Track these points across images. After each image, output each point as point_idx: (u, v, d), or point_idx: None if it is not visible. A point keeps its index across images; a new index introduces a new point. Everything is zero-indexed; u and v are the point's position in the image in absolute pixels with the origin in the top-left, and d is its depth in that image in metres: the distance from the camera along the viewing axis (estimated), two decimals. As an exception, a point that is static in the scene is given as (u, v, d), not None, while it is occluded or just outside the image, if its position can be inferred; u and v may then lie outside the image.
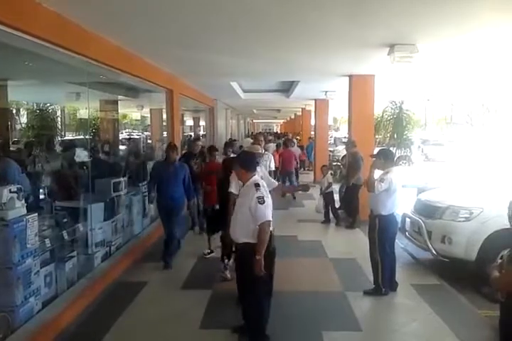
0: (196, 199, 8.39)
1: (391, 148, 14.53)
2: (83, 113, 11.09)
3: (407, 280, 6.37)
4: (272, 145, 14.55)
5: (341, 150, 19.25)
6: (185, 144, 13.81)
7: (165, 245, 7.02)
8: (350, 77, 10.44)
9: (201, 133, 21.77)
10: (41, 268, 4.85)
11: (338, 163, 16.93)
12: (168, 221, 7.06)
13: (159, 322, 5.12)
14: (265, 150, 8.73)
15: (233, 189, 5.94)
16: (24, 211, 4.55)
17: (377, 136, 17.34)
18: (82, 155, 8.90)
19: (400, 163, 19.11)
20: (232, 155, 8.95)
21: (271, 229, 4.39)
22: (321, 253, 7.86)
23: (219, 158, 7.98)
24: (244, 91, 15.79)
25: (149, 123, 17.03)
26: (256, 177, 4.49)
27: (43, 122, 13.34)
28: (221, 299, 5.75)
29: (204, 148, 9.71)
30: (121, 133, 18.13)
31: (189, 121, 23.63)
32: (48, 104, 13.78)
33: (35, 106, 14.02)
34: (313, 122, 20.58)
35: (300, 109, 24.05)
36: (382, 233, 5.83)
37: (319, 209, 10.54)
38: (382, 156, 5.96)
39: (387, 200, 5.74)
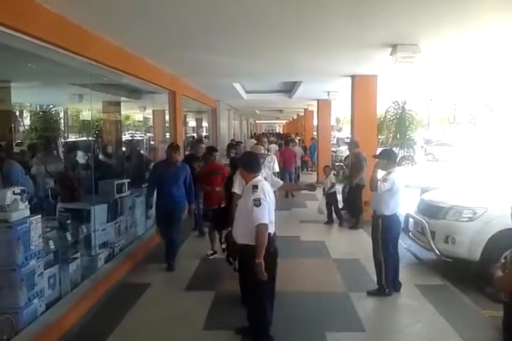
0: (197, 202, 8.29)
1: (394, 149, 14.53)
2: (86, 114, 11.12)
3: (411, 281, 6.36)
4: (274, 146, 14.58)
5: (344, 151, 19.24)
6: (188, 145, 13.84)
7: (167, 247, 7.00)
8: (353, 77, 10.44)
9: (204, 134, 21.77)
10: (45, 269, 4.87)
11: (341, 164, 16.92)
12: (168, 225, 6.92)
13: (163, 323, 5.12)
14: (267, 150, 8.71)
15: (236, 189, 5.95)
16: (28, 213, 4.55)
17: (380, 136, 17.31)
18: (85, 156, 8.93)
19: (403, 163, 19.09)
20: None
21: (271, 231, 4.36)
22: (324, 254, 7.85)
23: (220, 159, 7.96)
24: (247, 92, 15.81)
25: (152, 124, 17.04)
26: (258, 179, 4.45)
27: (46, 124, 13.37)
28: (224, 300, 5.74)
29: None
30: (124, 134, 18.12)
31: (192, 122, 23.62)
32: (51, 106, 13.81)
33: (38, 108, 14.06)
34: (315, 122, 20.58)
35: (303, 110, 24.04)
36: (385, 233, 5.82)
37: (321, 210, 10.53)
38: (385, 156, 5.95)
39: (390, 200, 5.73)
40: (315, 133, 21.18)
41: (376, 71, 9.72)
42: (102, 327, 5.02)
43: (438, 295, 5.90)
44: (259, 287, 4.31)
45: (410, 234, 7.57)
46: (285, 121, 46.48)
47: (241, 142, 12.24)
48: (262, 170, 5.03)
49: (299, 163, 17.65)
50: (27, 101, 13.81)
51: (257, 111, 28.91)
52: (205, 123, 21.86)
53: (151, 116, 16.41)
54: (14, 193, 4.42)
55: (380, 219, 5.83)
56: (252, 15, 5.22)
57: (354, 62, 8.63)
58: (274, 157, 8.07)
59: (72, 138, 16.35)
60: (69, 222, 5.86)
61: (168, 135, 10.97)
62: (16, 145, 11.27)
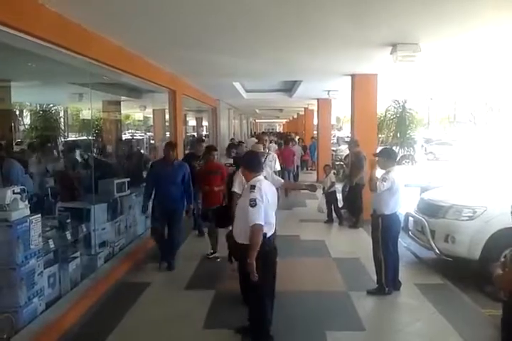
0: (196, 201, 8.19)
1: (394, 148, 14.53)
2: (86, 114, 11.12)
3: (411, 280, 6.36)
4: (274, 145, 14.58)
5: (344, 150, 19.24)
6: (189, 144, 13.84)
7: (161, 247, 6.97)
8: (353, 76, 10.43)
9: (204, 133, 21.77)
10: (45, 268, 4.87)
11: (341, 163, 16.93)
12: (168, 225, 6.87)
13: (163, 322, 5.12)
14: (268, 149, 8.68)
15: (236, 188, 5.96)
16: (27, 212, 4.55)
17: (380, 135, 17.33)
18: (85, 155, 8.93)
19: (403, 162, 19.10)
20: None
21: (269, 231, 4.34)
22: (324, 253, 7.85)
23: (220, 159, 7.93)
24: (247, 91, 15.80)
25: (152, 123, 17.06)
26: (258, 178, 4.42)
27: (46, 123, 13.38)
28: (224, 299, 5.74)
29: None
30: (124, 133, 18.14)
31: (192, 122, 23.63)
32: (51, 105, 13.82)
33: (38, 107, 14.07)
34: (316, 122, 20.58)
35: (303, 109, 24.03)
36: (385, 232, 5.82)
37: (321, 209, 10.53)
38: (385, 155, 5.96)
39: (390, 200, 5.73)
40: (315, 132, 21.17)
41: (376, 70, 9.71)
42: (101, 326, 5.02)
43: (438, 294, 5.90)
44: (259, 286, 4.31)
45: (410, 233, 7.57)
46: (285, 120, 46.47)
47: (243, 142, 12.20)
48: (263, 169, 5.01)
49: (298, 162, 17.67)
50: (27, 100, 13.84)
51: (257, 110, 28.92)
52: (205, 123, 21.87)
53: (151, 116, 16.44)
54: (14, 192, 4.43)
55: (380, 218, 5.82)
56: (251, 16, 5.23)
57: (354, 61, 8.63)
58: (276, 156, 7.97)
59: (72, 137, 16.37)
60: (69, 221, 5.86)
61: (168, 134, 10.96)
62: (16, 144, 11.29)
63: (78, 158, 8.93)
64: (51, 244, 5.11)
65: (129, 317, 5.27)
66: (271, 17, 5.29)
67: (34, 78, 8.97)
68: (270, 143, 13.52)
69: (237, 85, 13.58)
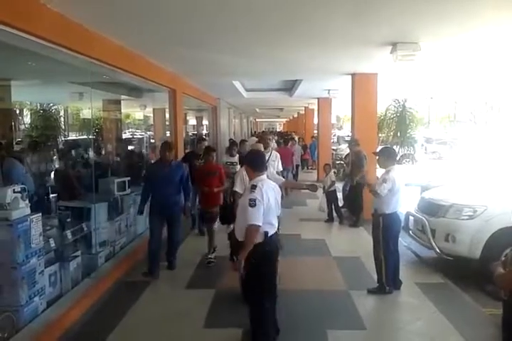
0: (194, 202, 8.15)
1: (394, 147, 14.54)
2: (86, 113, 11.13)
3: (411, 279, 6.36)
4: (273, 145, 14.54)
5: (344, 149, 19.25)
6: (189, 144, 13.84)
7: (168, 246, 6.95)
8: (353, 75, 10.43)
9: (204, 132, 21.76)
10: (45, 267, 4.88)
11: (342, 162, 16.94)
12: (168, 226, 6.79)
13: (163, 321, 5.13)
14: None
15: (238, 187, 5.97)
16: (28, 211, 4.56)
17: (380, 135, 17.37)
18: (85, 154, 8.94)
19: (404, 161, 19.12)
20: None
21: (271, 230, 4.34)
22: (325, 252, 7.86)
23: (222, 157, 7.89)
24: (247, 90, 15.79)
25: (152, 122, 17.05)
26: (261, 178, 4.38)
27: (47, 122, 13.40)
28: (225, 298, 5.75)
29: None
30: (125, 132, 18.15)
31: (192, 121, 23.63)
32: (52, 104, 13.84)
33: (38, 107, 14.08)
34: (316, 121, 20.57)
35: (303, 108, 24.02)
36: (385, 231, 5.82)
37: (322, 208, 10.53)
38: (385, 154, 5.96)
39: (391, 199, 5.73)
40: (315, 131, 21.17)
41: (376, 69, 9.71)
42: (102, 325, 5.03)
43: (438, 294, 5.91)
44: (259, 286, 4.30)
45: (410, 232, 7.58)
46: (285, 120, 46.46)
47: (246, 140, 12.17)
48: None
49: (298, 162, 17.68)
50: (27, 99, 13.84)
51: (258, 110, 28.89)
52: (205, 122, 21.86)
53: (152, 115, 16.43)
54: (14, 191, 4.43)
55: (380, 217, 5.83)
56: (252, 15, 5.23)
57: (354, 61, 8.62)
58: (278, 155, 7.86)
59: (73, 136, 16.38)
60: (69, 220, 5.87)
61: (168, 133, 10.96)
62: (17, 143, 11.29)
63: (78, 157, 8.95)
64: (52, 242, 5.12)
65: (129, 315, 5.28)
66: (271, 17, 5.30)
67: (34, 77, 8.97)
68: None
69: (238, 84, 13.57)
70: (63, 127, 15.98)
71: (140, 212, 6.95)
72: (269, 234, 4.27)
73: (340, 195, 11.00)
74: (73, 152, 9.54)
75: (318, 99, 17.52)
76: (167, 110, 10.88)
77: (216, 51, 7.51)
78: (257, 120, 50.13)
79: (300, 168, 19.08)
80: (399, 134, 18.30)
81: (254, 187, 4.21)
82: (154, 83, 8.96)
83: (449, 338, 4.76)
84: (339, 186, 11.44)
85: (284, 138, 18.13)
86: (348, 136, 19.61)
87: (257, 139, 9.87)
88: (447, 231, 6.59)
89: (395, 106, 18.48)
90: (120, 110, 11.88)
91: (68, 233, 5.58)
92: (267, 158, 6.76)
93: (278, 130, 52.33)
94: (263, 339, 4.37)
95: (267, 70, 10.32)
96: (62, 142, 13.99)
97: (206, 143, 9.08)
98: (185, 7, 4.88)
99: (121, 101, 11.63)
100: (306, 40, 6.73)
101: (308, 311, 5.35)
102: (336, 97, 14.98)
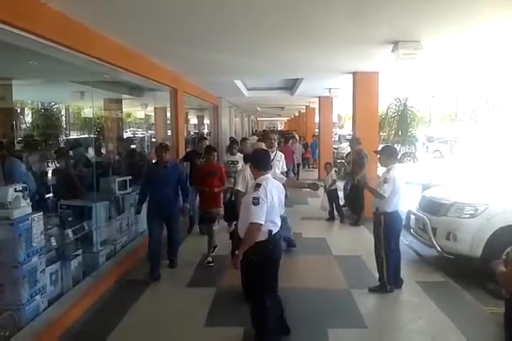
0: (194, 201, 8.10)
1: (395, 145, 14.52)
2: (87, 112, 11.13)
3: (412, 278, 6.36)
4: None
5: (346, 148, 19.24)
6: (190, 143, 13.84)
7: (169, 246, 6.93)
8: (354, 74, 10.42)
9: (205, 131, 21.77)
10: (47, 266, 4.88)
11: (343, 161, 16.92)
12: (167, 227, 6.75)
13: (164, 319, 5.14)
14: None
15: (239, 186, 5.97)
16: (29, 210, 4.57)
17: (381, 133, 17.35)
18: (86, 154, 8.95)
19: (405, 160, 19.10)
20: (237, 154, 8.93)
21: (274, 229, 4.33)
22: (326, 251, 7.85)
23: (222, 156, 7.85)
24: (248, 89, 15.78)
25: (153, 121, 17.05)
26: (266, 177, 4.38)
27: (48, 121, 13.41)
28: (225, 296, 5.76)
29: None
30: (126, 132, 18.17)
31: (193, 120, 23.64)
32: (53, 103, 13.85)
33: (39, 106, 14.09)
34: (317, 120, 20.56)
35: (304, 107, 24.00)
36: (387, 230, 5.82)
37: (325, 207, 10.52)
38: (386, 153, 5.97)
39: (392, 197, 5.73)
40: (316, 130, 21.17)
41: (378, 68, 9.70)
42: (103, 324, 5.04)
43: (440, 292, 5.91)
44: (261, 284, 4.31)
45: (412, 230, 7.57)
46: (287, 119, 46.40)
47: (247, 138, 12.15)
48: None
49: (299, 160, 17.67)
50: (28, 98, 13.85)
51: (259, 109, 28.87)
52: (206, 121, 21.86)
53: (153, 114, 16.43)
54: (16, 190, 4.44)
55: (382, 215, 5.83)
56: (253, 14, 5.22)
57: (355, 59, 8.61)
58: (283, 155, 7.68)
59: (74, 135, 16.40)
60: (70, 218, 5.88)
61: (169, 132, 10.96)
62: (18, 142, 11.29)
63: (79, 155, 8.95)
64: (53, 241, 5.13)
65: (130, 314, 5.29)
66: (272, 16, 5.29)
67: (35, 76, 8.98)
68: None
69: (239, 83, 13.56)
70: (64, 126, 15.99)
71: (137, 211, 6.98)
72: (273, 232, 4.28)
73: (341, 194, 10.99)
74: (74, 151, 9.53)
75: (319, 97, 17.51)
76: (168, 109, 10.88)
77: (216, 50, 7.51)
78: (258, 119, 50.10)
79: (301, 166, 19.09)
80: (400, 133, 18.27)
81: (258, 185, 4.23)
82: (155, 82, 8.96)
83: (450, 337, 4.76)
84: (340, 185, 11.42)
85: (285, 137, 18.13)
86: (349, 134, 19.62)
87: (257, 138, 9.86)
88: (448, 230, 6.59)
89: (396, 105, 18.44)
90: (121, 109, 11.88)
91: (69, 232, 5.58)
92: (272, 157, 6.66)
93: (279, 129, 52.25)
94: (266, 337, 4.38)
95: (268, 69, 10.31)
96: (64, 141, 14.01)
97: (207, 142, 9.04)
98: (185, 6, 4.88)
99: (123, 100, 11.64)
100: (306, 40, 6.72)
101: (309, 310, 5.35)
102: (337, 96, 14.98)
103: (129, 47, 6.90)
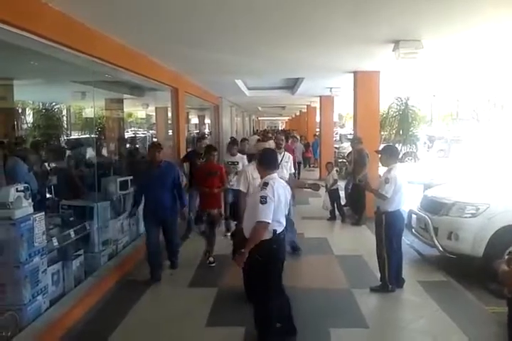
0: (194, 202, 8.03)
1: (397, 145, 14.50)
2: (89, 112, 11.11)
3: (414, 277, 6.36)
4: (272, 142, 14.51)
5: (347, 147, 19.21)
6: (190, 142, 13.82)
7: (168, 249, 6.85)
8: (355, 73, 10.41)
9: (206, 131, 21.76)
10: (48, 266, 4.89)
11: (344, 160, 16.91)
12: (164, 233, 6.60)
13: (166, 320, 5.14)
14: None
15: (241, 186, 5.96)
16: (31, 210, 4.57)
17: (382, 133, 17.30)
18: (87, 154, 8.95)
19: (406, 159, 19.08)
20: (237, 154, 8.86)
21: (279, 228, 4.33)
22: (327, 250, 7.85)
23: (223, 157, 7.78)
24: (249, 88, 15.78)
25: (154, 121, 17.05)
26: (272, 176, 4.38)
27: (49, 121, 13.40)
28: (227, 296, 5.76)
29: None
30: (127, 131, 18.16)
31: (194, 119, 23.64)
32: (54, 104, 13.84)
33: (40, 106, 14.08)
34: (318, 119, 20.55)
35: (305, 106, 24.01)
36: (388, 229, 5.82)
37: (327, 206, 10.51)
38: (387, 152, 5.97)
39: (394, 197, 5.73)
40: (318, 129, 21.15)
41: (378, 67, 9.69)
42: (105, 324, 5.04)
43: (441, 292, 5.90)
44: (265, 284, 4.30)
45: (413, 230, 7.56)
46: (288, 118, 46.40)
47: (246, 139, 12.11)
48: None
49: (299, 159, 17.67)
50: (30, 98, 13.84)
51: (260, 108, 28.87)
52: (207, 120, 21.86)
53: (154, 114, 16.44)
54: (17, 190, 4.44)
55: (383, 215, 5.82)
56: (253, 14, 5.23)
57: (356, 59, 8.61)
58: (291, 157, 7.57)
59: (75, 135, 16.39)
60: (72, 218, 5.88)
61: (170, 132, 10.96)
62: (19, 142, 11.28)
63: (80, 155, 8.95)
64: (55, 241, 5.14)
65: (132, 314, 5.29)
66: (272, 16, 5.30)
67: (37, 76, 8.98)
68: (269, 140, 13.46)
69: (240, 83, 13.56)
70: (66, 126, 15.98)
71: (132, 214, 6.90)
72: (278, 231, 4.28)
73: (342, 194, 10.98)
74: (75, 151, 9.53)
75: (320, 97, 17.50)
76: (169, 109, 10.89)
77: (217, 50, 7.51)
78: (259, 118, 50.12)
79: (302, 166, 19.08)
80: (401, 132, 18.21)
81: (266, 184, 4.24)
82: (156, 82, 8.96)
83: (451, 336, 4.76)
84: (341, 184, 11.42)
85: (285, 135, 18.11)
86: (351, 134, 19.58)
87: (258, 137, 9.83)
88: (450, 229, 6.58)
89: (397, 104, 18.38)
90: (122, 109, 11.87)
91: (71, 232, 5.58)
92: (280, 159, 6.55)
93: (280, 128, 52.26)
94: (269, 339, 4.37)
95: (269, 69, 10.31)
96: (65, 141, 14.01)
97: (207, 142, 8.94)
98: (185, 6, 4.88)
99: (124, 100, 11.63)
100: (306, 40, 6.72)
101: (311, 309, 5.35)
102: (338, 95, 14.98)
103: (130, 47, 6.91)
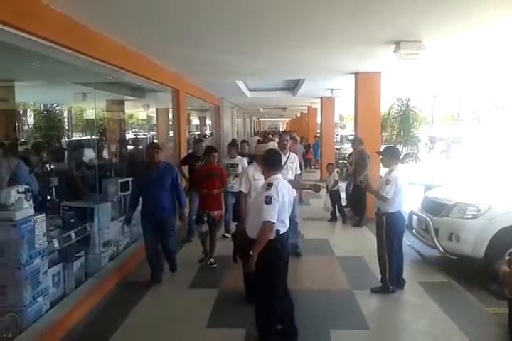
0: (194, 204, 7.98)
1: (398, 146, 14.50)
2: (90, 113, 11.13)
3: (415, 278, 6.35)
4: (273, 143, 14.50)
5: (348, 148, 19.20)
6: (191, 144, 13.81)
7: (166, 253, 6.63)
8: (356, 74, 10.42)
9: (208, 132, 21.77)
10: (49, 268, 4.90)
11: (345, 161, 16.90)
12: (160, 235, 6.36)
13: (166, 321, 5.14)
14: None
15: (243, 187, 5.95)
16: (32, 211, 4.57)
17: (383, 134, 17.30)
18: (89, 155, 8.95)
19: (407, 160, 19.07)
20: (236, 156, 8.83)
21: (282, 229, 4.34)
22: (328, 252, 7.85)
23: (222, 159, 7.73)
24: (250, 89, 15.79)
25: (155, 123, 17.06)
26: (276, 177, 4.38)
27: (50, 123, 13.41)
28: (228, 298, 5.76)
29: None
30: (128, 133, 18.17)
31: (195, 121, 23.65)
32: (55, 105, 13.85)
33: (42, 107, 14.10)
34: (319, 120, 20.55)
35: (306, 107, 24.00)
36: (389, 230, 5.82)
37: (328, 207, 10.50)
38: (388, 153, 5.97)
39: (394, 198, 5.72)
40: (318, 130, 21.15)
41: (380, 68, 9.69)
42: (106, 325, 5.04)
43: (442, 293, 5.90)
44: (268, 284, 4.29)
45: (414, 231, 7.56)
46: (289, 119, 46.39)
47: (246, 141, 12.09)
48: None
49: (300, 159, 17.61)
50: (31, 100, 13.86)
51: (261, 109, 28.89)
52: (208, 121, 21.87)
53: (155, 115, 16.44)
54: (18, 192, 4.45)
55: (384, 216, 5.82)
56: (254, 15, 5.24)
57: (357, 60, 8.61)
58: (297, 157, 7.45)
59: (76, 136, 16.41)
60: (73, 220, 5.88)
61: (171, 133, 10.97)
62: (20, 144, 11.30)
63: (81, 157, 8.95)
64: (55, 243, 5.14)
65: (133, 315, 5.29)
66: (273, 17, 5.31)
67: (38, 78, 8.99)
68: (269, 141, 13.46)
69: (241, 84, 13.57)
70: (67, 128, 15.99)
71: (127, 221, 6.59)
72: (281, 232, 4.28)
73: (343, 195, 10.98)
74: (77, 152, 9.54)
75: (321, 98, 17.51)
76: (170, 110, 10.89)
77: (217, 51, 7.52)
78: (260, 119, 50.14)
79: (303, 167, 19.04)
80: (402, 133, 18.23)
81: (270, 184, 4.25)
82: (157, 83, 8.97)
83: (452, 337, 4.75)
84: (342, 185, 11.41)
85: (290, 136, 18.09)
86: (352, 135, 19.58)
87: (258, 138, 9.82)
88: (451, 231, 6.58)
89: (398, 105, 18.40)
90: (123, 110, 11.89)
91: (72, 233, 5.58)
92: (284, 159, 6.50)
93: (280, 129, 52.28)
94: (270, 339, 4.37)
95: (270, 70, 10.32)
96: (66, 142, 14.01)
97: (204, 144, 8.76)
98: (185, 6, 4.89)
99: (125, 102, 11.64)
100: (307, 40, 6.72)
101: (312, 310, 5.35)
102: (339, 96, 14.98)
103: (131, 48, 6.92)
